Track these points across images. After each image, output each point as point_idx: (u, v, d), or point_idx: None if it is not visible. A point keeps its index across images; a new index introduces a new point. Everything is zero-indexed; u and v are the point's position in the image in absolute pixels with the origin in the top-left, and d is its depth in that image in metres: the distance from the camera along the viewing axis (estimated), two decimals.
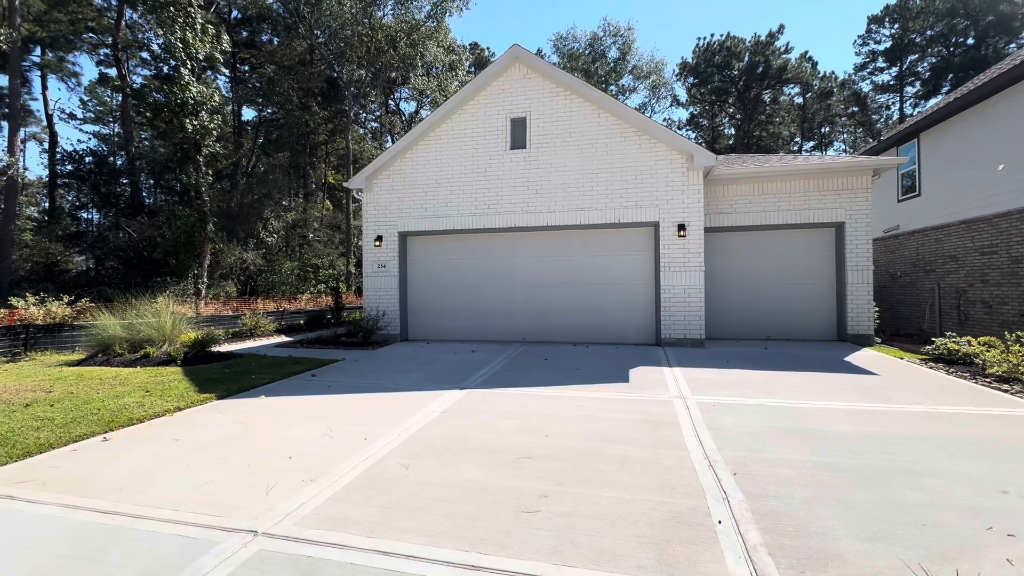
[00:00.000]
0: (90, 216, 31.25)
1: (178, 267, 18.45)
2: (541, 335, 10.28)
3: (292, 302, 20.17)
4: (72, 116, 35.69)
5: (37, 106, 32.62)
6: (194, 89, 17.45)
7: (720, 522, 2.71)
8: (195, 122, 17.61)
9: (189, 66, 17.75)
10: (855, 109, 41.58)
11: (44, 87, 31.18)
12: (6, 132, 21.64)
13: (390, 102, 38.75)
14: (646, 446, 3.96)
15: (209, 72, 25.14)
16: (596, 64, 39.83)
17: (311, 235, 30.52)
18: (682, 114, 46.08)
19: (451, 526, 2.72)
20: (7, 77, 21.86)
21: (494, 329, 10.54)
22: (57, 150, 28.46)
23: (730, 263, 10.29)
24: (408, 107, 40.08)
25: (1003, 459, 3.57)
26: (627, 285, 9.89)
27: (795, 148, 43.79)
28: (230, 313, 14.11)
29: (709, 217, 9.98)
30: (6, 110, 23.90)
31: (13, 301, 10.23)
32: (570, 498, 3.04)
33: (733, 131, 44.82)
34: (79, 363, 8.13)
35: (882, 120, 40.77)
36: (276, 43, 30.46)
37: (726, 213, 10.07)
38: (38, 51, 29.15)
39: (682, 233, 9.20)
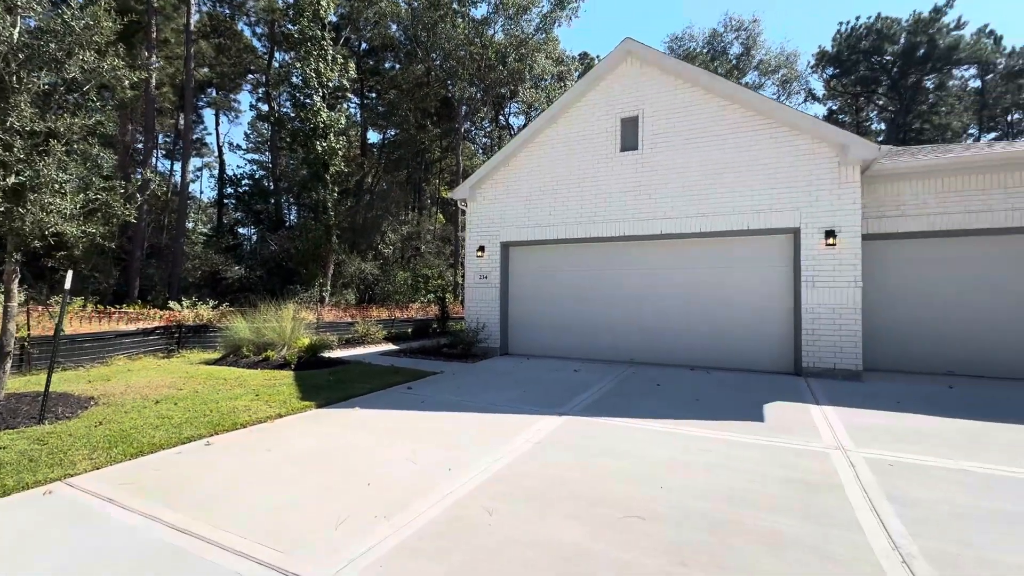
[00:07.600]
0: (246, 232, 36.16)
1: (307, 276, 20.29)
2: (653, 356, 9.23)
3: (403, 310, 21.12)
4: (237, 147, 41.94)
5: (211, 139, 38.70)
6: (324, 115, 19.20)
7: None
8: (324, 144, 19.33)
9: (321, 94, 19.58)
10: None
11: (217, 123, 36.91)
12: (185, 163, 25.86)
13: (500, 117, 39.67)
14: (801, 518, 2.98)
15: (344, 103, 27.57)
16: (716, 63, 36.82)
17: (423, 247, 32.07)
18: (818, 109, 40.62)
19: None
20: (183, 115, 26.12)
21: (600, 347, 9.72)
22: (226, 176, 33.39)
23: (896, 277, 8.38)
24: (517, 121, 40.61)
25: None
26: (758, 302, 8.49)
27: (970, 140, 36.47)
28: (348, 320, 14.97)
29: (867, 222, 8.24)
30: (180, 144, 28.60)
31: (172, 305, 11.76)
32: None
33: (883, 126, 38.66)
34: (214, 362, 8.93)
35: None
36: (397, 69, 32.74)
37: (890, 217, 8.23)
38: (212, 92, 34.51)
39: (831, 241, 7.65)
